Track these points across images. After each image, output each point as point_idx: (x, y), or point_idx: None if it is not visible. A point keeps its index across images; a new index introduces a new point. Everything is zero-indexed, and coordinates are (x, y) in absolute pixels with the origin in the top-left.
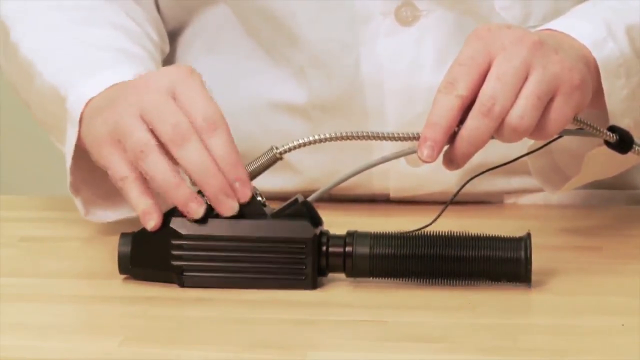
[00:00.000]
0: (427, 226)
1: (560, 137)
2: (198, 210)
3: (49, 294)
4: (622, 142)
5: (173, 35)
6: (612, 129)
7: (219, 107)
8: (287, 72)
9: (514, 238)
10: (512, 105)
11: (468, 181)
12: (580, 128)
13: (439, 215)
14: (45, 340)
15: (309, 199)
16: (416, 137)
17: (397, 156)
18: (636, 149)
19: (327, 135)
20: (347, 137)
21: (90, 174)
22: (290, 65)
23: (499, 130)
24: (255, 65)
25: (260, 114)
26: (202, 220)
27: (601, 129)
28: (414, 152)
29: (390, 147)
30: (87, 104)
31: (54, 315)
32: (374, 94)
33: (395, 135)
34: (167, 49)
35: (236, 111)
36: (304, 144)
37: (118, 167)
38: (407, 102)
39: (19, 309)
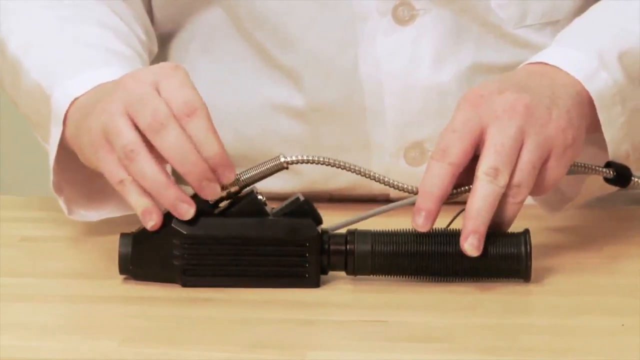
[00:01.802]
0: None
1: None
2: (188, 211)
3: (49, 294)
4: (620, 177)
5: (168, 37)
6: (609, 164)
7: (199, 94)
8: (284, 74)
9: (514, 234)
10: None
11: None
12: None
13: (455, 217)
14: (45, 340)
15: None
16: (414, 192)
17: (400, 205)
18: (635, 181)
19: (339, 163)
20: (358, 172)
21: (72, 174)
22: (287, 67)
23: (501, 202)
24: (252, 67)
25: (258, 116)
26: (204, 220)
27: (598, 168)
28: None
29: (389, 149)
30: (72, 104)
31: (54, 315)
32: (372, 93)
33: (397, 184)
34: (155, 49)
35: (234, 113)
36: (312, 161)
37: (114, 170)
38: (405, 101)
39: (19, 309)
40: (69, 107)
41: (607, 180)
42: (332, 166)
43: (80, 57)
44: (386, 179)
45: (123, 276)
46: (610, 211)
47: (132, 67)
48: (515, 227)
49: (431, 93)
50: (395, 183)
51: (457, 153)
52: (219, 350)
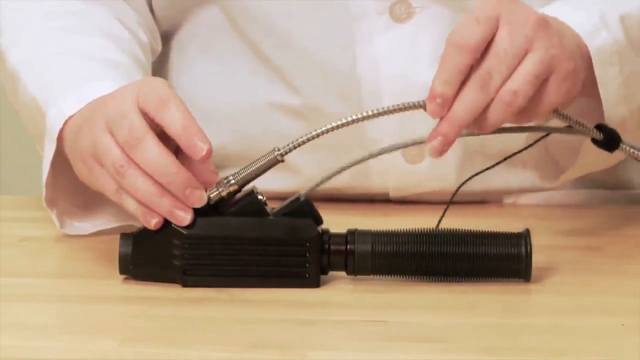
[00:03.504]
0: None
1: (547, 135)
2: (185, 217)
3: (49, 294)
4: (608, 140)
5: (167, 37)
6: (600, 127)
7: (174, 89)
8: (282, 74)
9: (514, 234)
10: (507, 80)
11: (470, 178)
12: (568, 126)
13: (443, 215)
14: (45, 340)
15: (304, 192)
16: (413, 106)
17: (396, 148)
18: (623, 147)
19: (324, 129)
20: (344, 124)
21: (70, 181)
22: (285, 67)
23: (491, 105)
24: (251, 67)
25: (257, 115)
26: (204, 220)
27: (588, 127)
28: (419, 142)
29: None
30: (66, 122)
31: (54, 315)
32: (370, 92)
33: (389, 108)
34: (159, 47)
35: (234, 112)
36: (303, 142)
37: (109, 183)
38: (403, 100)
39: (19, 309)
40: (63, 126)
41: (595, 142)
42: (321, 135)
43: (77, 72)
44: (375, 111)
45: (123, 276)
46: (610, 211)
47: (129, 76)
48: (515, 227)
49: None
50: (401, 105)
51: (477, 42)
52: (219, 350)
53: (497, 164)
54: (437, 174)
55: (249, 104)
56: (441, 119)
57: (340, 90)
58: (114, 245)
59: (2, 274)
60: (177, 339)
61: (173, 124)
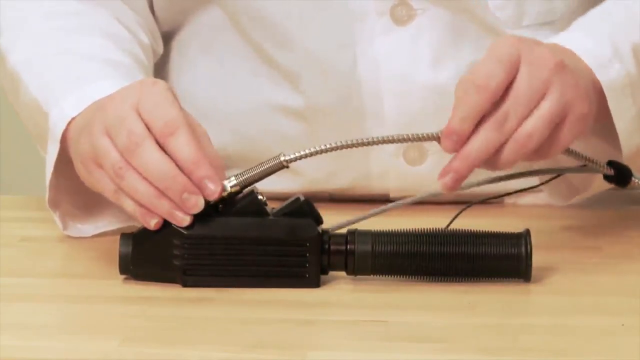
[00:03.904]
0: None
1: (559, 175)
2: (184, 218)
3: (49, 294)
4: (620, 176)
5: (168, 37)
6: (611, 163)
7: (181, 110)
8: (283, 74)
9: (514, 234)
10: (523, 122)
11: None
12: (583, 165)
13: (455, 217)
14: (45, 340)
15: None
16: (427, 137)
17: (413, 201)
18: (635, 181)
19: (334, 145)
20: (353, 145)
21: (72, 182)
22: (285, 67)
23: (505, 145)
24: (251, 67)
25: (258, 116)
26: (204, 220)
27: (600, 164)
28: (436, 194)
29: (388, 149)
30: (69, 124)
31: (54, 315)
32: (371, 94)
33: (403, 136)
34: (160, 49)
35: (234, 113)
36: (311, 154)
37: (108, 184)
38: (404, 101)
39: (18, 309)
40: (67, 127)
41: (606, 178)
42: (330, 151)
43: (79, 72)
44: (386, 138)
45: (123, 276)
46: (610, 211)
47: (129, 76)
48: (516, 227)
49: (430, 93)
50: (413, 135)
51: (499, 83)
52: (219, 350)
53: (514, 192)
54: (437, 175)
55: (249, 104)
56: (454, 156)
57: (340, 90)
58: (115, 245)
59: (2, 274)
60: (177, 339)
61: (183, 159)
